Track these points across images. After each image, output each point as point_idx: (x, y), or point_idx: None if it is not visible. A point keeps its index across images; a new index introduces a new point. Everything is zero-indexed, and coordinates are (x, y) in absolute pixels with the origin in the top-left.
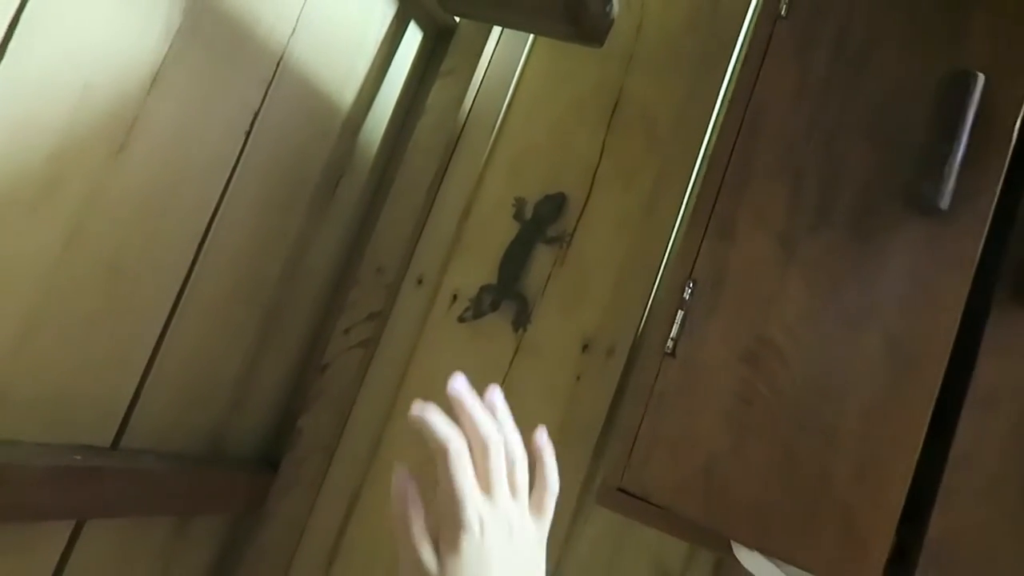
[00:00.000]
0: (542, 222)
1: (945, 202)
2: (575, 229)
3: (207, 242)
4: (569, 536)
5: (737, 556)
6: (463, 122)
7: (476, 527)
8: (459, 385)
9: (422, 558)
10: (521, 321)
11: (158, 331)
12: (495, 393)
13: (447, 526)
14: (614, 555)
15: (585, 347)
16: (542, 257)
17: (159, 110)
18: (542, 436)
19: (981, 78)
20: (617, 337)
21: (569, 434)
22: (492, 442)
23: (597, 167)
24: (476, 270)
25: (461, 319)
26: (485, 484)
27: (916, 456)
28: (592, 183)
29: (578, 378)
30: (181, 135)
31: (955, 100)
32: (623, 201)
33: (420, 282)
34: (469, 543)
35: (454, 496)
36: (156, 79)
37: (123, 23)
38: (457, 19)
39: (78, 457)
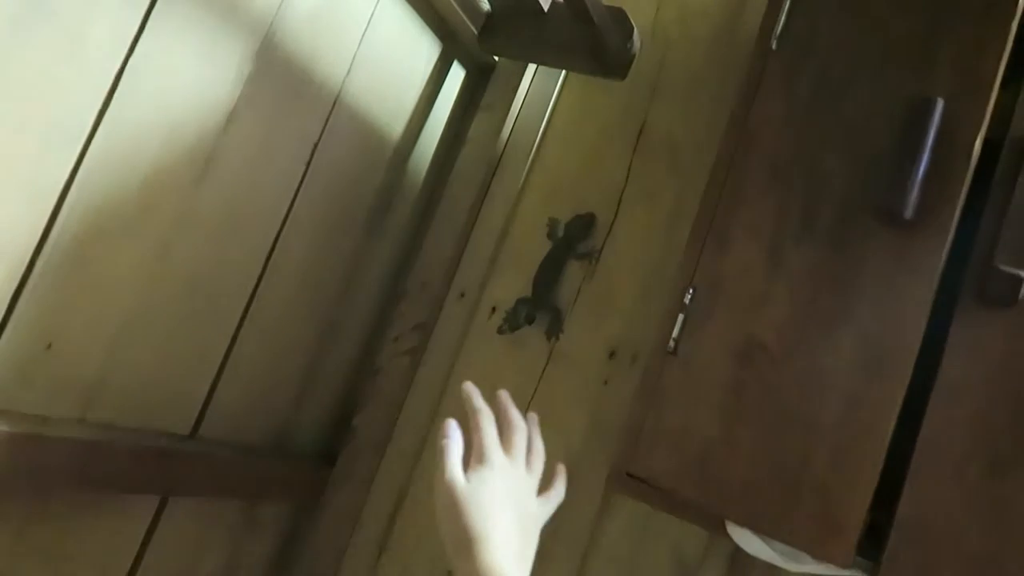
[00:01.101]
0: (573, 240)
1: (909, 213)
2: (603, 246)
3: (273, 258)
4: (595, 529)
5: (730, 533)
6: (501, 151)
7: (494, 463)
8: (502, 393)
9: (454, 473)
10: (554, 330)
11: (230, 336)
12: (533, 416)
13: (475, 460)
14: (637, 546)
15: (612, 354)
16: (573, 272)
17: (233, 145)
18: (533, 420)
19: (940, 103)
20: (641, 344)
21: (596, 434)
22: (518, 427)
23: (623, 189)
24: (513, 284)
25: (500, 331)
26: (508, 452)
27: (887, 443)
28: (619, 204)
29: (605, 383)
30: (251, 166)
31: (917, 122)
32: (647, 220)
33: (462, 296)
34: (488, 471)
35: (483, 441)
36: (231, 118)
37: (204, 72)
38: (496, 58)
39: (162, 441)
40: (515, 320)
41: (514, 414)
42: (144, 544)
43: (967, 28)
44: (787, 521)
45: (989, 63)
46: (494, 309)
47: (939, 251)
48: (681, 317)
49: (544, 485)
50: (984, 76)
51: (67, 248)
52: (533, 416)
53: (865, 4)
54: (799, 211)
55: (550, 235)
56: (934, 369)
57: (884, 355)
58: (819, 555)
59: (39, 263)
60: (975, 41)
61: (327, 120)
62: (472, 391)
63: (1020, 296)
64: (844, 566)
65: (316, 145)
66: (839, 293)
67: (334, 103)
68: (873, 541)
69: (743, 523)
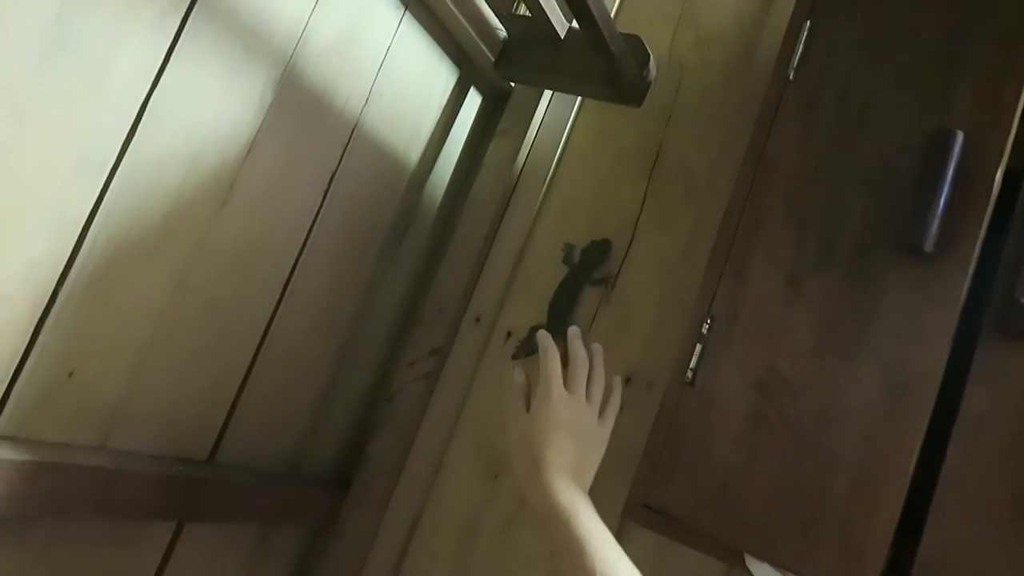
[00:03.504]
0: (589, 266)
1: (930, 245)
2: (619, 272)
3: (290, 285)
4: None
5: (749, 567)
6: (517, 176)
7: (555, 401)
8: (573, 329)
9: (518, 408)
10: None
11: (247, 363)
12: (597, 346)
13: (538, 396)
14: (655, 574)
15: (628, 381)
16: (589, 298)
17: (253, 174)
18: (597, 351)
19: (960, 135)
20: (656, 371)
21: (611, 461)
22: (579, 360)
23: (639, 215)
24: (528, 310)
25: (513, 357)
26: (569, 385)
27: (909, 476)
28: (635, 230)
29: (621, 409)
30: (270, 194)
31: (937, 155)
32: (663, 246)
33: (478, 320)
34: (547, 404)
35: (546, 378)
36: (251, 148)
37: (226, 103)
38: (512, 84)
39: (180, 468)
40: (528, 347)
41: (576, 348)
42: (160, 569)
43: (987, 60)
44: (807, 555)
45: (1009, 95)
46: (509, 334)
47: (960, 283)
48: (699, 347)
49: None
50: (1004, 108)
51: (90, 277)
52: (597, 348)
53: (883, 35)
54: (817, 242)
55: (566, 260)
56: (956, 402)
57: (905, 387)
58: None
59: (62, 292)
60: (995, 72)
61: (345, 148)
62: (544, 335)
63: None
64: None
65: (334, 173)
66: (859, 324)
67: (352, 131)
68: (892, 575)
69: (762, 556)
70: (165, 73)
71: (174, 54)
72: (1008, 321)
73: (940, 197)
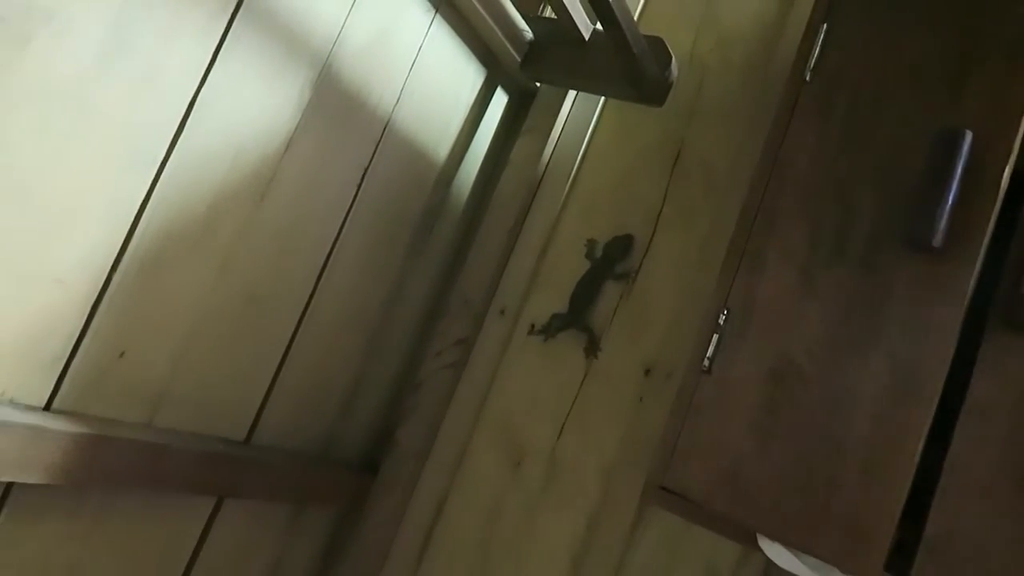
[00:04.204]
0: (611, 260)
1: (938, 240)
2: (640, 266)
3: (324, 275)
4: (630, 541)
5: (761, 547)
6: (542, 173)
7: None
8: None
9: None
10: (593, 350)
11: (283, 349)
12: None
13: None
14: (670, 559)
15: (647, 372)
16: (610, 291)
17: (291, 169)
18: None
19: (969, 135)
20: (676, 362)
21: (631, 449)
22: None
23: (660, 211)
24: (552, 303)
25: (529, 332)
26: None
27: (915, 461)
28: (656, 225)
29: (640, 399)
30: (307, 188)
31: (945, 153)
32: (683, 241)
33: (502, 313)
34: None
35: None
36: (290, 144)
37: (267, 102)
38: (538, 84)
39: (220, 446)
40: (547, 330)
41: None
42: (201, 540)
43: (997, 61)
44: (817, 535)
45: (1017, 97)
46: (533, 326)
47: (967, 278)
48: (715, 337)
49: None
50: (1013, 108)
51: (140, 264)
52: None
53: (897, 38)
54: (831, 237)
55: (588, 255)
56: (963, 391)
57: (913, 377)
58: (848, 569)
59: (115, 277)
60: (1004, 74)
61: (377, 145)
62: None
63: None
64: None
65: (367, 169)
66: (869, 316)
67: (384, 129)
68: (902, 558)
69: (774, 537)
70: (212, 72)
71: (220, 54)
72: (1013, 314)
73: (948, 194)
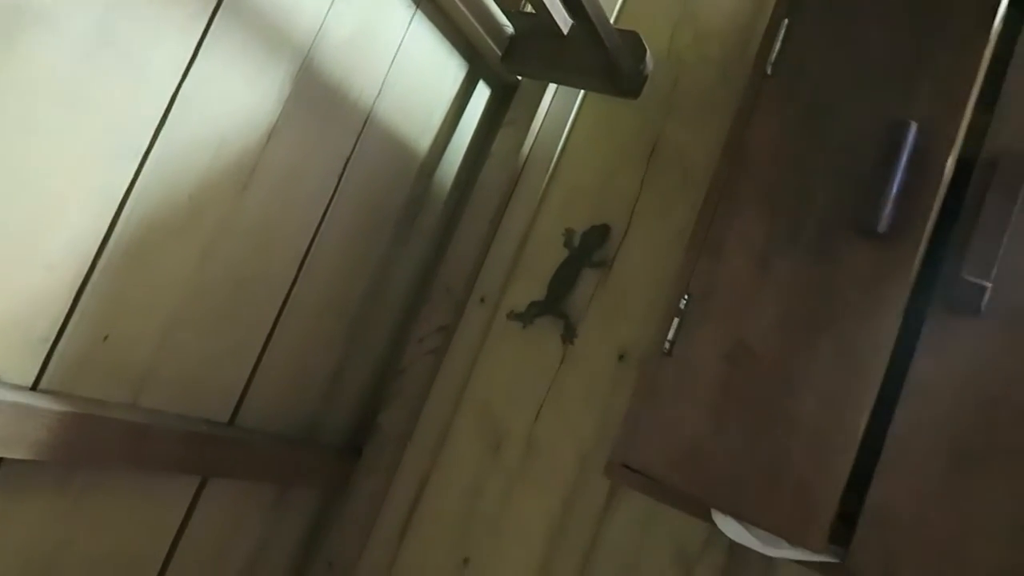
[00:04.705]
0: (588, 249)
1: (883, 227)
2: (616, 255)
3: (307, 263)
4: (602, 520)
5: (715, 520)
6: (523, 164)
7: None
8: None
9: None
10: (569, 336)
11: (266, 334)
12: None
13: None
14: (641, 537)
15: (621, 357)
16: (587, 279)
17: (273, 158)
18: None
19: (914, 125)
20: (648, 348)
21: (606, 432)
22: None
23: (637, 201)
24: (531, 291)
25: (508, 316)
26: None
27: (859, 438)
28: (632, 215)
29: (615, 384)
30: (289, 177)
31: (893, 143)
32: (659, 230)
33: (483, 300)
34: None
35: None
36: (272, 134)
37: (249, 94)
38: (519, 77)
39: (204, 427)
40: (525, 316)
41: None
42: (186, 519)
43: (945, 55)
44: (766, 509)
45: (963, 88)
46: (512, 312)
47: (911, 263)
48: (676, 321)
49: None
50: (958, 100)
51: (125, 249)
52: None
53: (853, 33)
54: (787, 224)
55: (566, 244)
56: (906, 371)
57: (859, 357)
58: (794, 540)
59: (100, 263)
60: (952, 67)
61: (359, 136)
62: None
63: (984, 305)
64: (817, 551)
65: (348, 160)
66: (820, 300)
67: (366, 121)
68: (847, 529)
69: (727, 511)
70: (194, 67)
71: (202, 50)
72: (954, 297)
73: (894, 182)
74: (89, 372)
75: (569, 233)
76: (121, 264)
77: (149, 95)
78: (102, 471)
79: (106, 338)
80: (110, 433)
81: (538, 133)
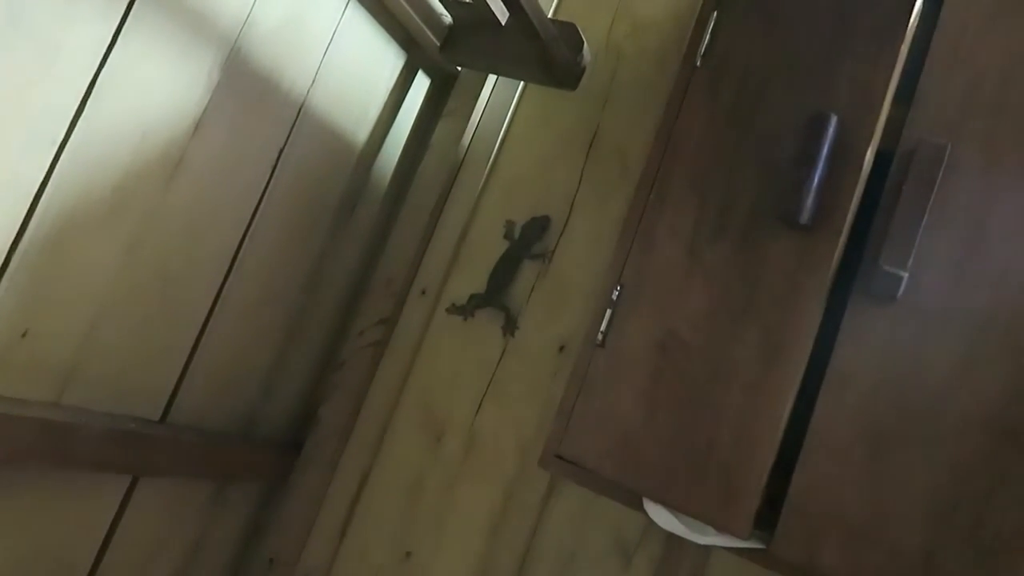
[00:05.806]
0: (528, 241)
1: (805, 218)
2: (556, 247)
3: (239, 256)
4: (542, 512)
5: (646, 508)
6: (463, 156)
7: None
8: None
9: None
10: (510, 328)
11: (198, 328)
12: None
13: None
14: (581, 527)
15: (561, 348)
16: (528, 271)
17: (201, 150)
18: None
19: (835, 118)
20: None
21: (546, 424)
22: None
23: (576, 193)
24: (471, 282)
25: (447, 311)
26: None
27: (782, 426)
28: (572, 207)
29: (555, 375)
30: (218, 169)
31: (814, 136)
32: (598, 222)
33: (424, 292)
34: None
35: None
36: (199, 125)
37: (174, 82)
38: (459, 68)
39: (132, 425)
40: (465, 309)
41: None
42: (116, 519)
43: (863, 48)
44: (694, 496)
45: (881, 81)
46: (453, 305)
47: (832, 253)
48: (609, 312)
49: None
50: (876, 93)
51: (43, 242)
52: None
53: (779, 26)
54: (715, 215)
55: (507, 236)
56: (827, 359)
57: (783, 345)
58: (720, 527)
59: (15, 257)
60: (870, 60)
61: (292, 127)
62: None
63: (900, 293)
64: (742, 536)
65: (282, 151)
66: (746, 290)
67: (299, 111)
68: (772, 515)
69: (656, 499)
70: (113, 53)
71: (121, 35)
72: (874, 287)
73: (815, 174)
74: (7, 371)
75: (509, 225)
76: (39, 258)
77: (64, 82)
78: (23, 471)
79: (24, 334)
80: (31, 433)
81: (478, 124)
